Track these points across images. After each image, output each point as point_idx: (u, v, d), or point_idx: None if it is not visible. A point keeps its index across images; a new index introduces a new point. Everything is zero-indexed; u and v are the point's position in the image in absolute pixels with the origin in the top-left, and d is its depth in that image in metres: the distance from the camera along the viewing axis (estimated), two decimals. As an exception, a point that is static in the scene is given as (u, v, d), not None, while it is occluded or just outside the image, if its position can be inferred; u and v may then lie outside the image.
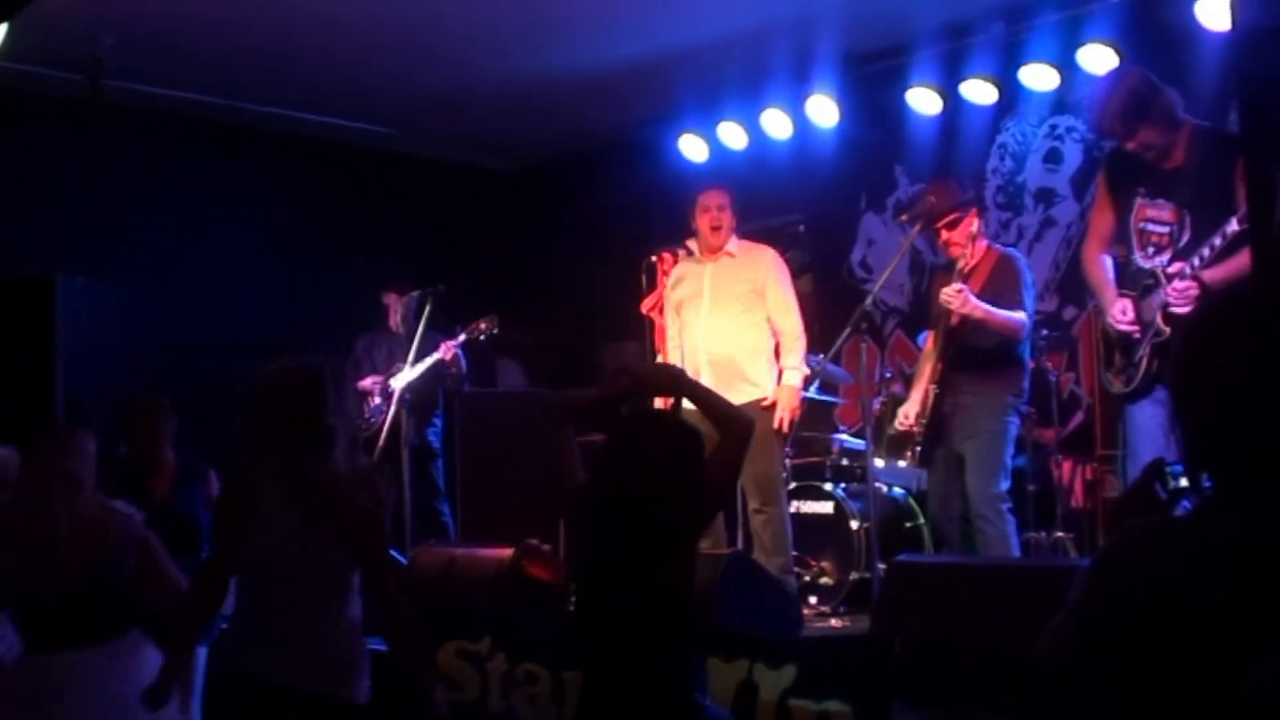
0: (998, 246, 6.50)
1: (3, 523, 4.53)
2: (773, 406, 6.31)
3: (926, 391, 6.24)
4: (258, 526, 3.71)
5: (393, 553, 3.89)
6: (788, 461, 7.17)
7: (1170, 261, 5.05)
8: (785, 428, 6.32)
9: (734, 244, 6.58)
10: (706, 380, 6.24)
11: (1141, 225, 5.23)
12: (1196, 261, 4.91)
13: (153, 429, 6.07)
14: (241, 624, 3.85)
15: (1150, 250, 5.18)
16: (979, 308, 5.95)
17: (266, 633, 3.74)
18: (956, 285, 5.97)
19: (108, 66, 7.82)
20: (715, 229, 6.49)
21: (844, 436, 7.75)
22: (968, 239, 6.15)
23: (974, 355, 6.12)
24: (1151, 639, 1.88)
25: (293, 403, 3.82)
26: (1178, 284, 4.94)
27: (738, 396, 6.21)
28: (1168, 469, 2.15)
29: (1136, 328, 5.15)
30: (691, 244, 6.69)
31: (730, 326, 6.44)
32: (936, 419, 6.18)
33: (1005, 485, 6.04)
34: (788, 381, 6.35)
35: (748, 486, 6.37)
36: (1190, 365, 2.00)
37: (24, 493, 4.58)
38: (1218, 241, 4.85)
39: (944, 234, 6.24)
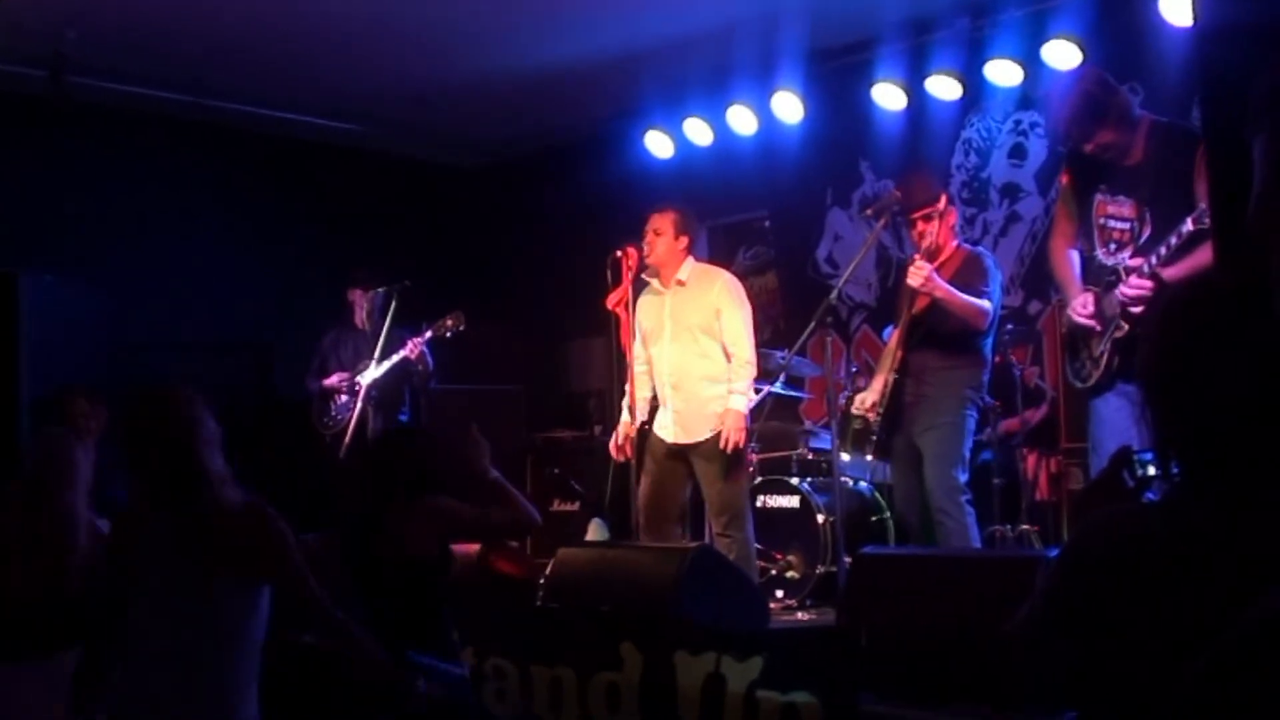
0: (966, 245, 6.53)
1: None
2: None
3: (886, 380, 6.24)
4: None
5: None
6: (753, 456, 7.20)
7: (1131, 257, 5.10)
8: (728, 448, 6.23)
9: (687, 269, 6.49)
10: (672, 410, 6.41)
11: (1102, 221, 5.28)
12: (1154, 259, 4.96)
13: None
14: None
15: (1112, 246, 5.22)
16: (941, 286, 5.96)
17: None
18: (921, 262, 6.00)
19: (71, 62, 7.78)
20: (647, 255, 6.46)
21: (809, 428, 7.78)
22: (937, 226, 6.16)
23: (937, 341, 6.14)
24: (1121, 623, 1.91)
25: (155, 436, 3.52)
26: (1134, 280, 4.99)
27: (702, 428, 6.34)
28: (1135, 457, 2.18)
29: (1096, 321, 5.20)
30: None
31: (688, 356, 6.40)
32: (895, 407, 6.20)
33: (964, 477, 6.06)
34: (732, 405, 6.26)
35: (711, 511, 6.40)
36: (1162, 355, 2.03)
37: (29, 486, 4.38)
38: (1174, 240, 4.89)
39: (919, 225, 6.22)
